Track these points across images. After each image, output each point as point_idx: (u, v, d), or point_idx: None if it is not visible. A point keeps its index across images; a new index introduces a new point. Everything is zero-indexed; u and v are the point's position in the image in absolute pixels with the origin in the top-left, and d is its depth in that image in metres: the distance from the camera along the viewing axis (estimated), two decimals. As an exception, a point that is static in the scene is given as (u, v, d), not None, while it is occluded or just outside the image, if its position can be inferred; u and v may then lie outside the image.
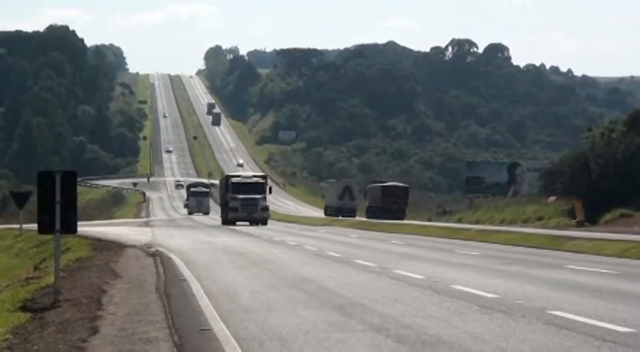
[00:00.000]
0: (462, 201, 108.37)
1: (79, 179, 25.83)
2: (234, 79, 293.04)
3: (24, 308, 17.19)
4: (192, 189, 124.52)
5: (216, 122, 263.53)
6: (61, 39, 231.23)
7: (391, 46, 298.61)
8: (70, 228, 17.60)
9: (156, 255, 28.80)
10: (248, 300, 16.66)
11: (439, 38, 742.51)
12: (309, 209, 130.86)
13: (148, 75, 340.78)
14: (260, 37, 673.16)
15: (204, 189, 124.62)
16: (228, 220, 68.33)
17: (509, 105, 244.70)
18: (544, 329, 12.61)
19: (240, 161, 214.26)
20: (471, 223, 69.39)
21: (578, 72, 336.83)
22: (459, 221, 77.66)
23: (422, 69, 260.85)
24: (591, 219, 57.70)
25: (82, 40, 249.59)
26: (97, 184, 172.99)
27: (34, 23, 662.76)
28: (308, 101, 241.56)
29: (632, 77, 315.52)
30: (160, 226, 63.02)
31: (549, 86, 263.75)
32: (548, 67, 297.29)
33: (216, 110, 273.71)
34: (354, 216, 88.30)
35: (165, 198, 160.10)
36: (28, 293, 20.12)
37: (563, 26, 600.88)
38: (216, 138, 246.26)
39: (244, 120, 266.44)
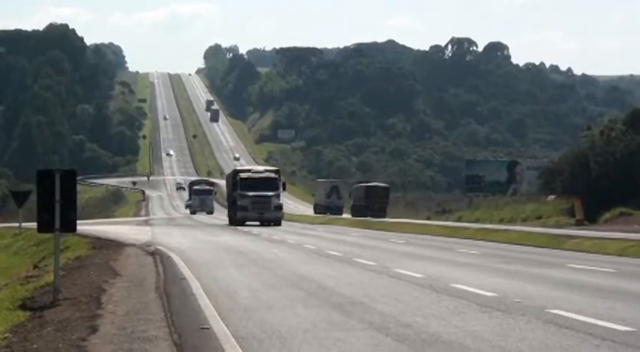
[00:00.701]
0: (462, 199, 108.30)
1: (78, 178, 25.84)
2: (234, 77, 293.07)
3: (23, 307, 17.18)
4: (195, 187, 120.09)
5: (214, 118, 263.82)
6: (60, 37, 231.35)
7: (391, 44, 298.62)
8: (69, 226, 17.59)
9: (155, 254, 28.79)
10: (248, 299, 16.66)
11: (439, 37, 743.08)
12: (308, 207, 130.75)
13: (147, 73, 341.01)
14: (260, 36, 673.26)
15: (208, 187, 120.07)
16: (236, 220, 61.21)
17: (509, 104, 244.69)
18: (543, 328, 12.61)
19: (237, 154, 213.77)
20: (470, 222, 69.30)
21: (577, 70, 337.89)
22: (459, 220, 77.59)
23: (421, 67, 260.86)
24: (590, 217, 57.66)
25: (81, 39, 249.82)
26: (96, 183, 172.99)
27: (33, 22, 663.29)
28: (307, 100, 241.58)
29: (631, 76, 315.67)
30: (159, 225, 62.99)
31: (549, 85, 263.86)
32: (547, 66, 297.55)
33: (215, 107, 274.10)
34: (340, 214, 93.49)
35: (165, 196, 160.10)
36: (28, 291, 20.11)
37: (563, 25, 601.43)
38: (216, 137, 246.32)
39: (244, 119, 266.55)
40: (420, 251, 32.05)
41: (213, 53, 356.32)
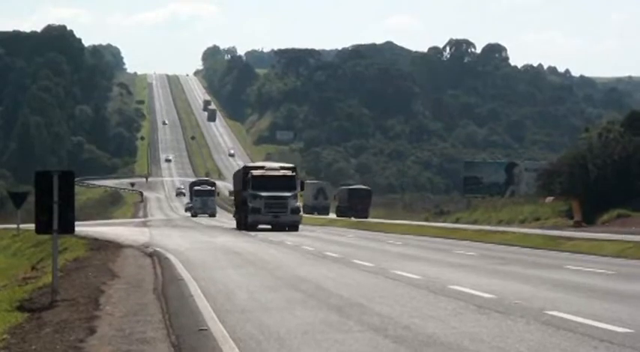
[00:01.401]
0: (460, 201, 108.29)
1: (76, 179, 25.85)
2: (232, 79, 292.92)
3: (21, 308, 17.18)
4: (196, 188, 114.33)
5: (211, 118, 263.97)
6: (58, 39, 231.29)
7: (389, 46, 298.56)
8: (67, 228, 17.60)
9: (153, 255, 28.80)
10: (246, 300, 16.66)
11: (437, 38, 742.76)
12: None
13: (145, 75, 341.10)
14: (258, 37, 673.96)
15: (210, 188, 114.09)
16: (247, 224, 53.27)
17: (507, 106, 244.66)
18: (541, 329, 12.62)
19: (232, 151, 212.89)
20: (468, 223, 69.34)
21: (575, 72, 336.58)
22: (457, 221, 77.56)
23: (420, 69, 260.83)
24: (589, 219, 57.66)
25: (79, 40, 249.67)
26: (94, 184, 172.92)
27: (32, 23, 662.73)
28: (306, 101, 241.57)
29: (629, 77, 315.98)
30: (157, 226, 62.93)
31: (547, 86, 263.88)
32: (545, 68, 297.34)
33: (212, 106, 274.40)
34: (327, 214, 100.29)
35: (163, 198, 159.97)
36: (26, 293, 20.11)
37: (562, 27, 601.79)
38: (214, 138, 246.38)
39: (242, 120, 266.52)
40: (417, 252, 32.06)
41: (212, 54, 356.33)
